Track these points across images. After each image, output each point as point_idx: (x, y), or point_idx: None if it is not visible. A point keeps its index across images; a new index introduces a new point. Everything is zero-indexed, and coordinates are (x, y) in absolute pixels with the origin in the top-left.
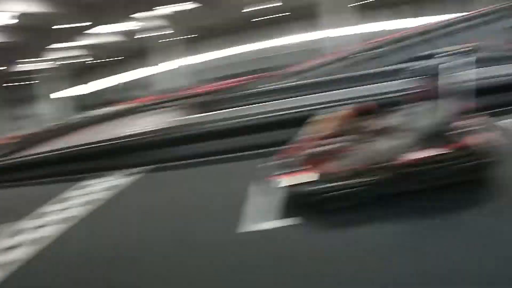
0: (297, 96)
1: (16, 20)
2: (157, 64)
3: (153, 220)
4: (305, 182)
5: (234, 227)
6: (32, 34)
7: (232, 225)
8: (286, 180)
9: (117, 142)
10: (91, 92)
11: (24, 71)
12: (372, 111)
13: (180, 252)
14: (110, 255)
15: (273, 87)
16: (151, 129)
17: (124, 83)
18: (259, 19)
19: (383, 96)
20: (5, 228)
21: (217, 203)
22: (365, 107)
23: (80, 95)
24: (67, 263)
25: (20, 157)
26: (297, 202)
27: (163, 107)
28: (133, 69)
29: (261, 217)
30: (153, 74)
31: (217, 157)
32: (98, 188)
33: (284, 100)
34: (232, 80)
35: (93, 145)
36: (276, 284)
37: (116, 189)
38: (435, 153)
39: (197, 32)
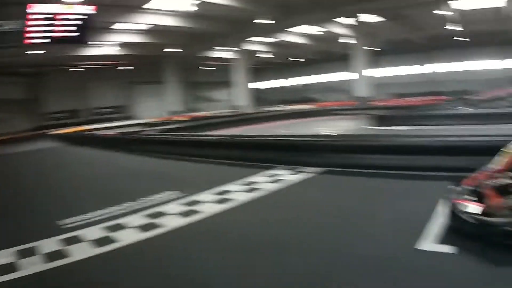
0: (488, 124)
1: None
2: (339, 72)
3: (315, 221)
4: (488, 213)
5: (409, 243)
6: (232, 25)
7: (406, 241)
8: (472, 208)
9: (303, 140)
10: (271, 88)
11: (220, 58)
12: None
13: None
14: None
15: (463, 111)
16: (337, 133)
17: (304, 85)
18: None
19: None
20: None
21: (391, 216)
22: None
23: (266, 89)
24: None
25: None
26: (477, 231)
27: (350, 114)
28: (318, 73)
29: (440, 239)
30: (336, 81)
31: (396, 172)
32: (266, 180)
33: (473, 126)
34: (423, 98)
35: (273, 138)
36: None
37: (285, 183)
38: None
39: (383, 45)
